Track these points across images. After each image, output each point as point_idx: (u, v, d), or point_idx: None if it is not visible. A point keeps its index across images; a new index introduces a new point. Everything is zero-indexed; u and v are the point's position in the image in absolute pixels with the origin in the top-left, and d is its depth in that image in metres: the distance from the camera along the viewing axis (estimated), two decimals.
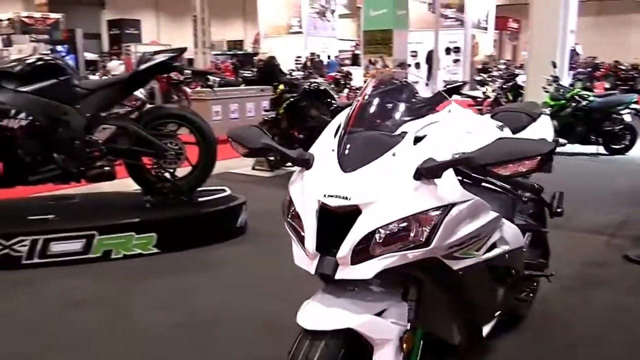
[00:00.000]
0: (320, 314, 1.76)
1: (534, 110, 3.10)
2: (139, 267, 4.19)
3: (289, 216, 1.89)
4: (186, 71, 5.58)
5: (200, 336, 3.14)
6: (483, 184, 2.01)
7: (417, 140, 1.85)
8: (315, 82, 7.36)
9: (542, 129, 3.00)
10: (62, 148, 4.36)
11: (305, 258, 1.80)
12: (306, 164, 1.91)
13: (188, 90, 12.39)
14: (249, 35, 35.56)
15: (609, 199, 6.13)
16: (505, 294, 2.30)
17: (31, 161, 4.30)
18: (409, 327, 1.84)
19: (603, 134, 8.89)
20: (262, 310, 3.39)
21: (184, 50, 4.86)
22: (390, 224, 1.70)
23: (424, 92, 2.10)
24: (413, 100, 2.01)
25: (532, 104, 3.24)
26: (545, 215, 3.17)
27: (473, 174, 1.86)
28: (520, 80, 12.34)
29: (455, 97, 8.17)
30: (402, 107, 1.97)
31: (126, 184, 5.16)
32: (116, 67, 17.87)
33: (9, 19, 20.70)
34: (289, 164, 2.14)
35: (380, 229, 1.70)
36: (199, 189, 4.90)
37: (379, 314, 1.80)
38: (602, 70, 21.46)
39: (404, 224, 1.71)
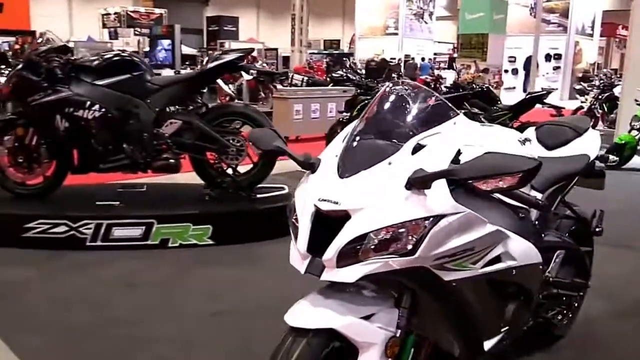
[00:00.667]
0: (306, 313, 1.82)
1: (580, 125, 3.00)
2: (192, 257, 4.37)
3: (292, 218, 1.96)
4: (252, 71, 5.72)
5: (242, 325, 3.26)
6: (495, 196, 2.00)
7: (417, 150, 1.87)
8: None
9: (586, 144, 2.90)
10: (131, 139, 4.63)
11: (298, 258, 1.87)
12: (311, 167, 1.98)
13: (279, 87, 12.61)
14: (347, 35, 35.81)
15: None
16: (518, 311, 2.25)
17: (102, 150, 4.60)
18: (397, 334, 1.86)
19: None
20: None
21: (251, 51, 5.01)
22: (377, 230, 1.73)
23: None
24: (424, 109, 2.02)
25: (581, 119, 3.13)
26: (588, 234, 3.07)
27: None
28: (617, 91, 11.73)
29: (537, 106, 7.87)
30: (410, 116, 1.99)
31: (195, 177, 5.37)
32: None
33: (115, 13, 21.89)
34: None
35: (367, 235, 1.74)
36: (259, 185, 5.03)
37: (367, 318, 1.83)
38: None
39: (391, 232, 1.74)
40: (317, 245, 1.81)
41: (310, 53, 26.37)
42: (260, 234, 4.67)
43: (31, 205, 4.60)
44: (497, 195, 1.94)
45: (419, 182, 1.74)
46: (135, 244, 4.41)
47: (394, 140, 1.91)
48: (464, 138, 1.95)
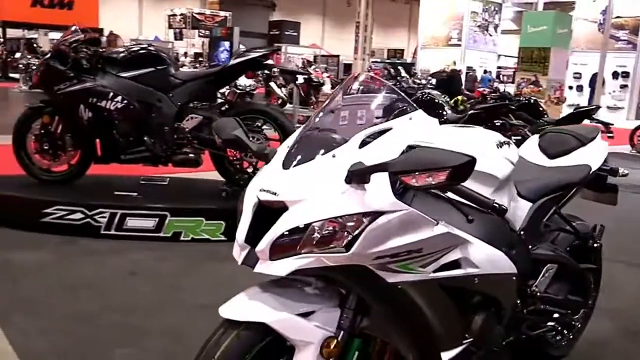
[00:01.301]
0: (240, 306, 1.78)
1: (587, 134, 2.84)
2: (203, 251, 4.37)
3: (240, 208, 1.92)
4: (274, 70, 5.71)
5: None
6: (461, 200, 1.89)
7: (365, 144, 1.80)
8: (428, 93, 7.24)
9: (589, 155, 2.75)
10: (152, 132, 4.69)
11: (237, 249, 1.83)
12: (265, 158, 1.93)
13: (328, 91, 12.63)
14: (412, 45, 35.59)
15: None
16: (487, 323, 2.12)
17: (124, 141, 4.68)
18: (339, 335, 1.78)
19: None
20: None
21: (276, 49, 5.02)
22: (311, 223, 1.67)
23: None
24: (380, 103, 1.95)
25: (588, 129, 2.96)
26: (592, 250, 2.90)
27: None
28: None
29: (585, 121, 7.59)
30: (364, 109, 1.92)
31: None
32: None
33: (181, 14, 22.43)
34: None
35: (302, 228, 1.68)
36: None
37: (306, 315, 1.76)
38: None
39: (327, 226, 1.67)
40: (260, 238, 1.77)
41: (373, 61, 26.32)
42: None
43: (50, 191, 4.70)
44: (462, 199, 1.82)
45: (356, 176, 1.67)
46: (148, 235, 4.46)
47: (344, 134, 1.84)
48: (418, 135, 1.86)
